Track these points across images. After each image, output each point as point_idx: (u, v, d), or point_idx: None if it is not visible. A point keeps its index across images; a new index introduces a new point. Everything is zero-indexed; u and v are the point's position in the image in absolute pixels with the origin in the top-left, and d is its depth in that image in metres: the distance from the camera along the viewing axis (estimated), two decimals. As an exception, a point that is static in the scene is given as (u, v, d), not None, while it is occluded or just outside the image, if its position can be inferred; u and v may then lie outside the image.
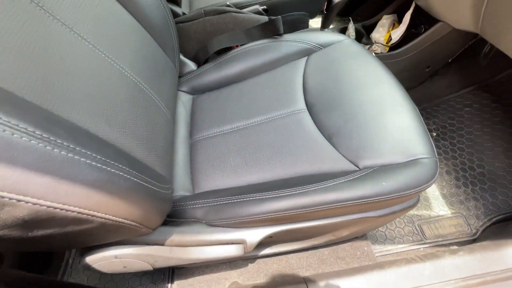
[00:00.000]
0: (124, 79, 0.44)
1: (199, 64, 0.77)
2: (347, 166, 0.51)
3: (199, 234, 0.46)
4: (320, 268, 0.64)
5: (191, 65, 0.75)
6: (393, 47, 0.92)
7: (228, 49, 0.75)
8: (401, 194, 0.44)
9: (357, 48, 0.70)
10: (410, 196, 0.46)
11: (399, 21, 0.93)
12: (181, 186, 0.56)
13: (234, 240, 0.47)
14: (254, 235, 0.48)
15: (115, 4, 0.49)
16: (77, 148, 0.24)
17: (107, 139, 0.34)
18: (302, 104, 0.63)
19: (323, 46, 0.73)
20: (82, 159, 0.24)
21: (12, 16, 0.29)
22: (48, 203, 0.23)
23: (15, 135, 0.20)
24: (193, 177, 0.59)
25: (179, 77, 0.75)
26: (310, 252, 0.67)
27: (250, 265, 0.67)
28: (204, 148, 0.62)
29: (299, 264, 0.67)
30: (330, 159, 0.53)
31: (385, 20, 0.94)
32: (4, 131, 0.20)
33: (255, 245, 0.48)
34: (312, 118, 0.60)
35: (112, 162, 0.28)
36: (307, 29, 0.83)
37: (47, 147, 0.22)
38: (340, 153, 0.53)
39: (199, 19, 0.76)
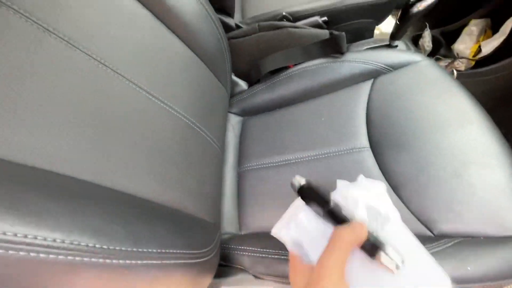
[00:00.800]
0: (177, 123, 0.42)
1: (250, 83, 0.73)
2: (418, 228, 0.44)
3: (246, 288, 0.44)
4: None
5: (242, 85, 0.72)
6: (481, 61, 0.75)
7: (282, 68, 0.70)
8: (490, 285, 0.36)
9: (437, 73, 0.58)
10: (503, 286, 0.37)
11: (494, 28, 0.76)
12: (229, 223, 0.55)
13: (282, 296, 0.44)
14: (303, 293, 0.44)
15: (168, 35, 0.46)
16: (134, 249, 0.23)
17: (157, 201, 0.33)
18: (364, 140, 0.56)
19: (393, 67, 0.63)
20: (139, 261, 0.23)
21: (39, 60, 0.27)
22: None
23: (85, 259, 0.19)
24: (240, 212, 0.57)
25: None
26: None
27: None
28: (252, 180, 0.60)
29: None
30: (396, 217, 0.46)
31: (474, 27, 0.77)
32: (68, 255, 0.19)
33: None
34: (376, 160, 0.53)
35: (168, 250, 0.27)
36: (373, 45, 0.73)
37: (111, 261, 0.21)
38: (409, 209, 0.46)
39: (253, 35, 0.71)
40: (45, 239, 0.18)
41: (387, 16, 0.86)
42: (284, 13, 0.77)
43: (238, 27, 0.78)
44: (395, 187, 0.49)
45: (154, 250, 0.25)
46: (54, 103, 0.25)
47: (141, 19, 0.39)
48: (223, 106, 0.60)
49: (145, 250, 0.24)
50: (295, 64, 0.68)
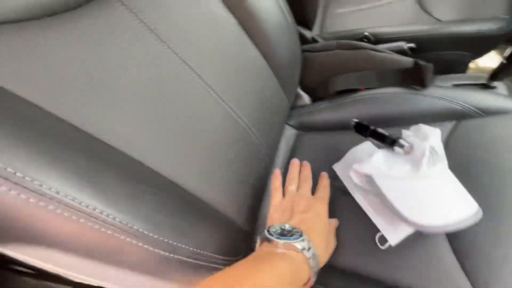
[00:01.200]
0: (235, 127, 0.43)
1: (315, 99, 0.72)
2: (479, 311, 0.37)
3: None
4: None
5: (305, 99, 0.71)
6: None
7: (351, 90, 0.66)
8: None
9: (546, 130, 0.48)
10: None
11: None
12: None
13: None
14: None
15: (248, 44, 0.47)
16: (173, 243, 0.24)
17: (202, 198, 0.34)
18: (431, 189, 0.49)
19: (485, 112, 0.54)
20: (176, 256, 0.24)
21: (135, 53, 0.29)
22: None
23: (133, 241, 0.21)
24: (275, 226, 0.56)
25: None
26: None
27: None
28: (295, 197, 0.58)
29: None
30: (453, 288, 0.39)
31: None
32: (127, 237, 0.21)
33: None
34: (441, 215, 0.46)
35: (202, 251, 0.27)
36: (465, 82, 0.64)
37: (153, 249, 0.23)
38: (471, 284, 0.39)
39: (329, 51, 0.69)
40: (108, 216, 0.20)
41: (489, 51, 0.74)
42: (366, 33, 0.73)
43: (314, 40, 0.77)
44: (458, 253, 0.41)
45: (190, 248, 0.26)
46: (141, 95, 0.29)
47: (227, 25, 0.42)
48: (282, 118, 0.60)
49: (183, 246, 0.25)
50: (367, 88, 0.64)
